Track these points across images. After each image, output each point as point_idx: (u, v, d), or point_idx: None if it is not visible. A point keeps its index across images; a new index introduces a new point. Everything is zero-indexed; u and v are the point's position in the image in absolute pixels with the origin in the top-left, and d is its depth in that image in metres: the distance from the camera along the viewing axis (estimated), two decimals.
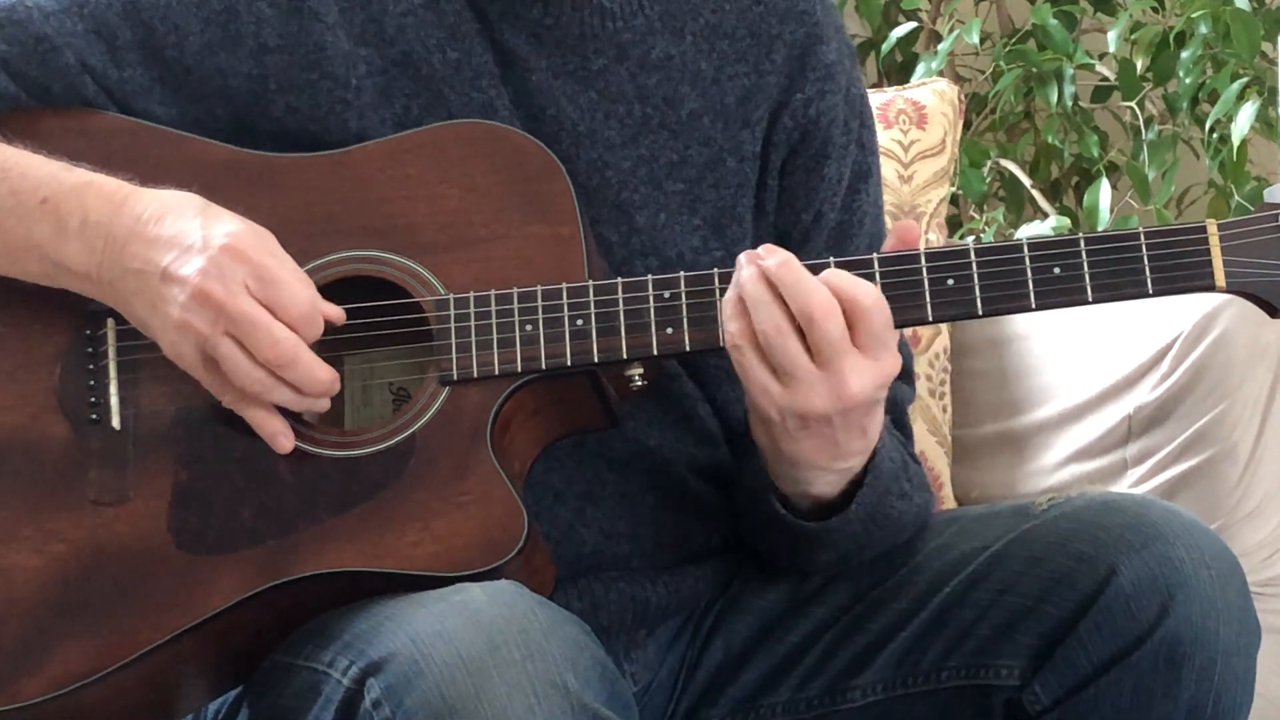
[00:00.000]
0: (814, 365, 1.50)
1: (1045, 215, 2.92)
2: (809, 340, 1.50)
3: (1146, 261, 1.53)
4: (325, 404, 1.54)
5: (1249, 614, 1.56)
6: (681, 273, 1.57)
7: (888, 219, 2.32)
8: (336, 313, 1.54)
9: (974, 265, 1.54)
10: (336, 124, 1.64)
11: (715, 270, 1.57)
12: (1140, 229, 1.54)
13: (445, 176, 1.59)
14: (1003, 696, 1.60)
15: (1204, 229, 1.53)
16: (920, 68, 3.05)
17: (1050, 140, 3.05)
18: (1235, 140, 2.73)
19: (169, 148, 1.62)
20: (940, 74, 3.01)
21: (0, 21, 1.61)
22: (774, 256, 1.51)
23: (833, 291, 1.50)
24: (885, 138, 2.38)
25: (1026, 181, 3.05)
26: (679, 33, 1.70)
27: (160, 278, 1.50)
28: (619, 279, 1.57)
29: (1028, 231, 2.74)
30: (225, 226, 1.51)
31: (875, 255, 1.55)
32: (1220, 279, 1.52)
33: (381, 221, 1.59)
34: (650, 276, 1.57)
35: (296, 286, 1.51)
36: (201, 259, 1.49)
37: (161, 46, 1.64)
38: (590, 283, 1.56)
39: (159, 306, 1.51)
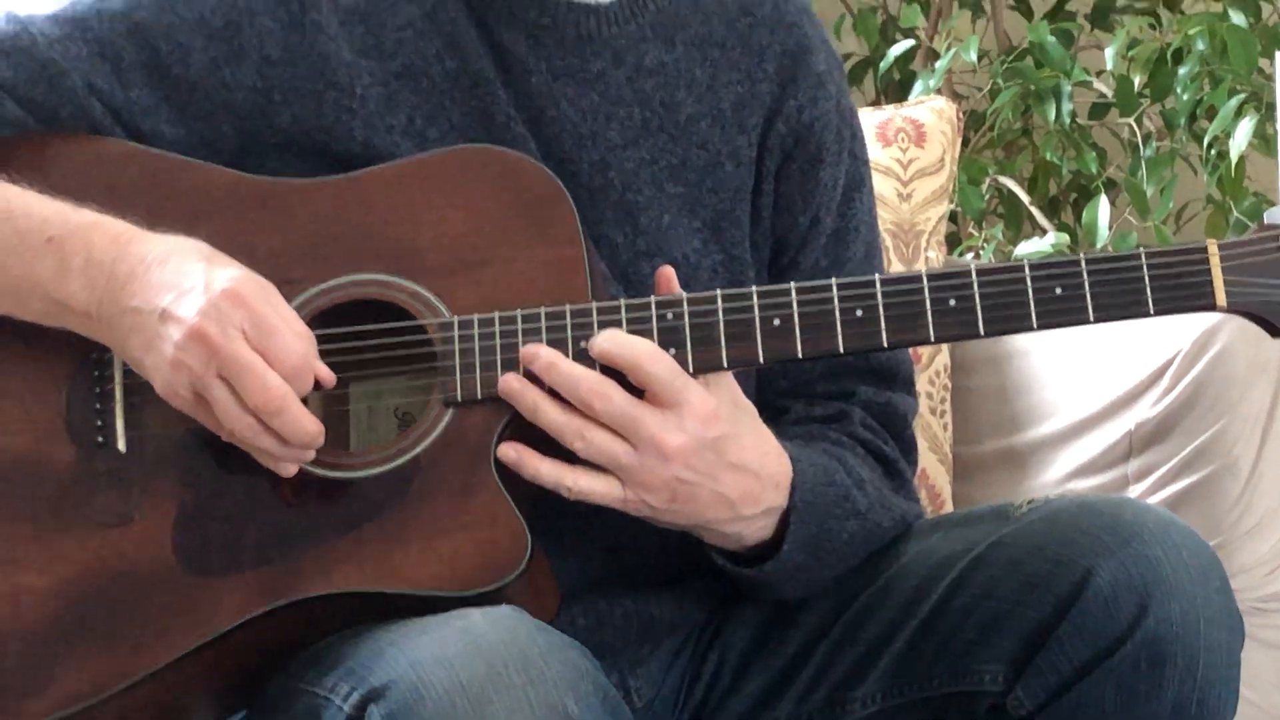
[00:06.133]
0: (628, 445, 1.53)
1: (1044, 232, 2.92)
2: (604, 425, 1.53)
3: (1148, 281, 1.54)
4: (310, 454, 1.54)
5: (1231, 610, 1.55)
6: (684, 294, 1.58)
7: (887, 237, 2.35)
8: (327, 375, 1.54)
9: (975, 285, 1.55)
10: (342, 133, 1.65)
11: (718, 290, 1.57)
12: (1141, 249, 1.54)
13: (449, 200, 1.60)
14: (987, 702, 1.61)
15: (1204, 249, 1.54)
16: (918, 85, 3.06)
17: (1048, 157, 3.05)
18: (1233, 156, 2.74)
19: (176, 173, 1.62)
20: (938, 91, 3.02)
21: (6, 49, 1.62)
22: (533, 362, 1.54)
23: (606, 361, 1.53)
24: (884, 156, 2.39)
25: (1025, 198, 3.06)
26: (670, 41, 1.72)
27: (158, 317, 1.51)
28: (621, 300, 1.57)
29: (1027, 248, 2.74)
30: (228, 272, 1.52)
31: (877, 276, 1.56)
32: (1221, 299, 1.53)
33: (386, 245, 1.59)
34: (653, 297, 1.57)
35: (291, 338, 1.51)
36: (201, 300, 1.50)
37: (166, 65, 1.65)
38: (594, 304, 1.57)
39: (155, 345, 1.51)
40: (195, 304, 1.50)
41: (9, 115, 1.61)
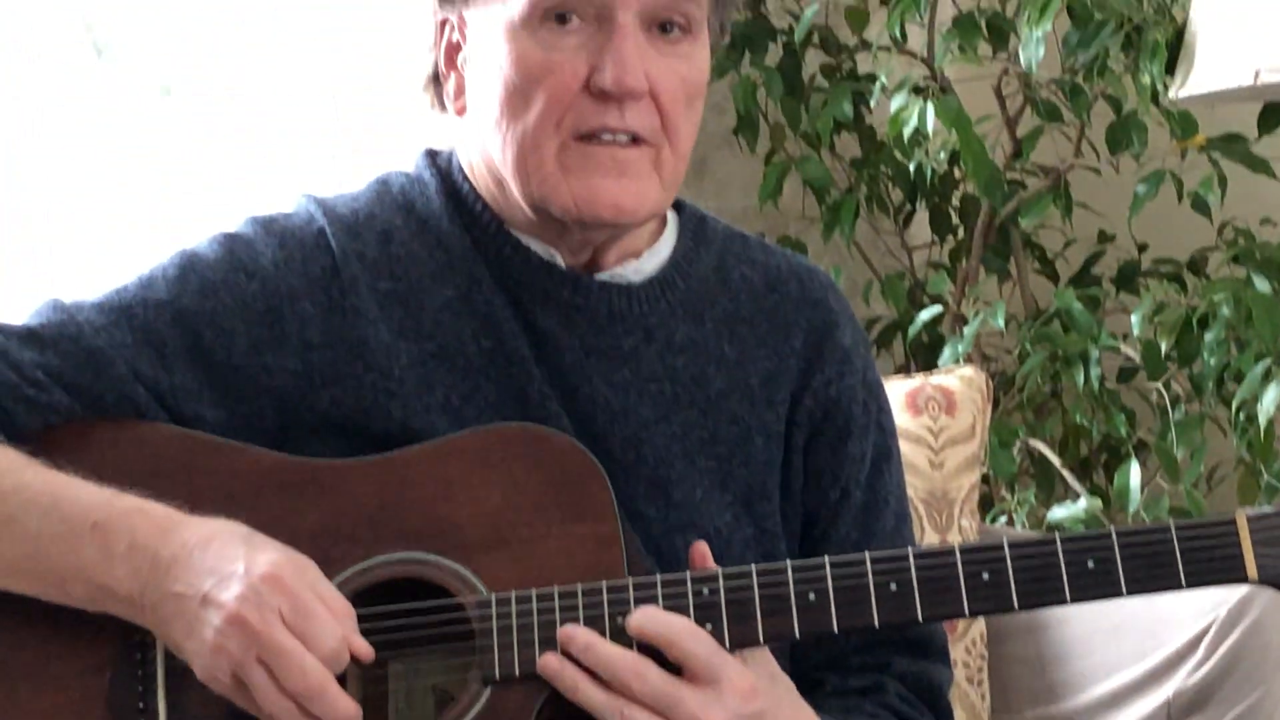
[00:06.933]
0: None
1: (1076, 495, 2.93)
2: (644, 703, 1.54)
3: (1179, 555, 1.55)
4: None
5: None
6: (719, 569, 1.59)
7: (920, 505, 2.36)
8: (366, 652, 1.55)
9: (1008, 560, 1.56)
10: (380, 413, 1.68)
11: (753, 565, 1.59)
12: (1171, 522, 1.56)
13: (487, 478, 1.62)
14: None
15: (1233, 522, 1.55)
16: (946, 350, 3.08)
17: (1078, 420, 3.06)
18: (1262, 421, 2.74)
19: (217, 456, 1.65)
20: (967, 358, 3.05)
21: (54, 338, 1.66)
22: (571, 643, 1.55)
23: (642, 639, 1.55)
24: (915, 425, 2.41)
25: (1056, 461, 3.07)
26: (699, 318, 1.76)
27: (200, 602, 1.53)
28: (658, 575, 1.59)
29: (1059, 513, 2.75)
30: (267, 556, 1.54)
31: (910, 550, 1.58)
32: (1252, 571, 1.54)
33: (425, 523, 1.61)
34: (688, 572, 1.59)
35: (329, 621, 1.53)
36: (241, 586, 1.52)
37: (209, 350, 1.68)
38: (629, 580, 1.58)
39: (196, 629, 1.53)
40: (235, 589, 1.52)
41: (57, 403, 1.65)
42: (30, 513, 1.58)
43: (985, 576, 1.56)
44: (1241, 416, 2.85)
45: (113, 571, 1.56)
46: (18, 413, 1.64)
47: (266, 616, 1.51)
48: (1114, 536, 1.56)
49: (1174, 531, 1.55)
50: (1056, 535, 1.56)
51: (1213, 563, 1.55)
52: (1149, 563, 1.55)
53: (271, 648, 1.50)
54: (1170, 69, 2.82)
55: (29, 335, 1.67)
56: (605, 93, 1.63)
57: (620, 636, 1.56)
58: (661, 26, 1.66)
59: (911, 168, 3.18)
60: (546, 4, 1.63)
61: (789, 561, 1.59)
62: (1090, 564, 1.55)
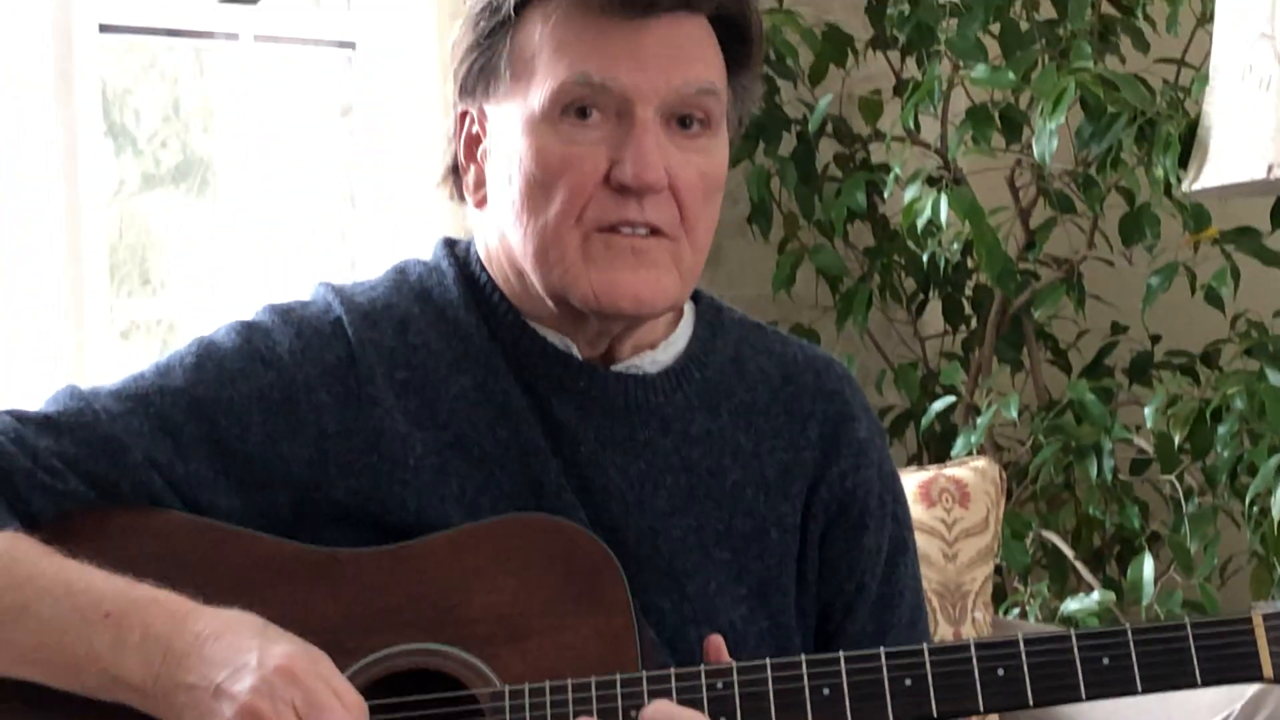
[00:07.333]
0: None
1: (1090, 587, 2.92)
2: None
3: (1194, 653, 1.55)
4: None
5: None
6: (733, 662, 1.59)
7: (933, 597, 2.35)
8: None
9: (1023, 655, 1.56)
10: (395, 504, 1.68)
11: (768, 660, 1.58)
12: (1187, 620, 1.56)
13: (502, 570, 1.62)
14: None
15: (1249, 620, 1.55)
16: (959, 441, 3.08)
17: (1091, 512, 3.06)
18: (1275, 514, 2.74)
19: (231, 545, 1.65)
20: (980, 449, 3.05)
21: (70, 425, 1.67)
22: None
23: None
24: (929, 516, 2.41)
25: (1069, 553, 3.06)
26: (715, 410, 1.76)
27: (212, 693, 1.53)
28: (672, 669, 1.58)
29: (1073, 605, 2.74)
30: (281, 648, 1.54)
31: (926, 646, 1.57)
32: (1268, 670, 1.54)
33: (439, 614, 1.61)
34: (703, 666, 1.59)
35: (342, 714, 1.52)
36: (254, 678, 1.52)
37: (225, 439, 1.68)
38: (644, 673, 1.58)
39: None
40: (248, 681, 1.51)
41: (72, 490, 1.65)
42: (44, 601, 1.58)
43: (1000, 672, 1.56)
44: (1255, 510, 2.86)
45: (125, 661, 1.56)
46: (33, 499, 1.64)
47: (279, 709, 1.51)
48: (1129, 634, 1.56)
49: (1189, 629, 1.56)
50: (1072, 632, 1.56)
51: (1228, 661, 1.55)
52: (1164, 660, 1.55)
53: None
54: (1183, 162, 2.84)
55: (45, 422, 1.68)
56: (625, 187, 1.64)
57: None
58: (681, 121, 1.67)
59: (925, 258, 3.20)
60: (568, 99, 1.65)
61: (804, 656, 1.59)
62: (1105, 661, 1.55)
